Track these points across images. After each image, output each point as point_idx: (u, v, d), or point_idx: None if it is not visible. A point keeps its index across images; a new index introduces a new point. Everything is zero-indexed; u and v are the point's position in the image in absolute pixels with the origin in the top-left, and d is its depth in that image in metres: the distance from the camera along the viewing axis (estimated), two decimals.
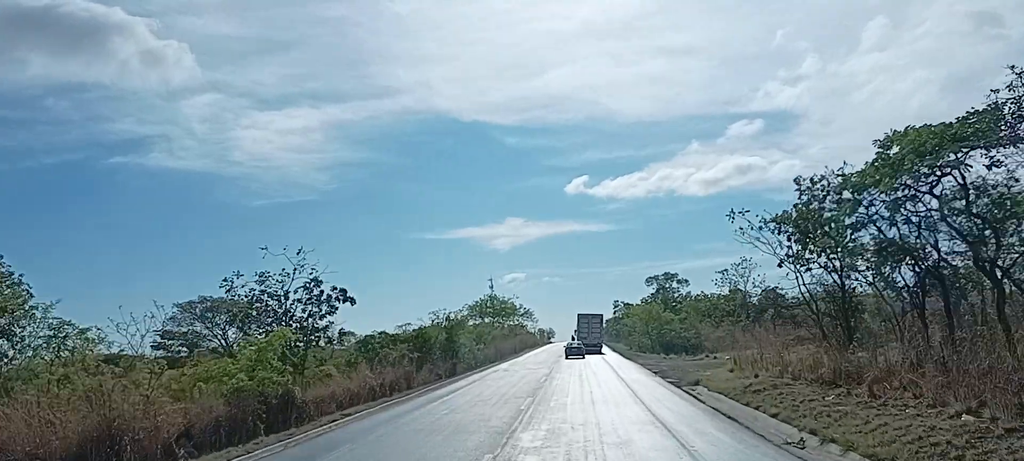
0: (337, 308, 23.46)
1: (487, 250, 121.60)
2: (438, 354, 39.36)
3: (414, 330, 38.92)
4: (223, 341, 26.55)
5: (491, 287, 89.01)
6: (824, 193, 20.16)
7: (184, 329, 28.09)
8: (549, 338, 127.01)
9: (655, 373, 33.15)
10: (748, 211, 22.48)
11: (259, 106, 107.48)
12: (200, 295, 27.48)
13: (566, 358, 53.06)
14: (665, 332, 58.16)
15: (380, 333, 44.17)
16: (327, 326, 23.64)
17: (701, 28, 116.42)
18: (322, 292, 23.19)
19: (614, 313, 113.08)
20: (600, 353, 60.76)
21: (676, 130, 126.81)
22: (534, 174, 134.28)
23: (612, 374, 35.10)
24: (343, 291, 23.39)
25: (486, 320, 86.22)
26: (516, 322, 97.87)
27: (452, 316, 43.94)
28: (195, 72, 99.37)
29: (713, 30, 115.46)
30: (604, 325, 76.92)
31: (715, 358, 41.51)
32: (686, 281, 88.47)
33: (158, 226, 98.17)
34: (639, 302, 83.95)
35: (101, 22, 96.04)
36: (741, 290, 58.63)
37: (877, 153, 17.55)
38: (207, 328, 27.95)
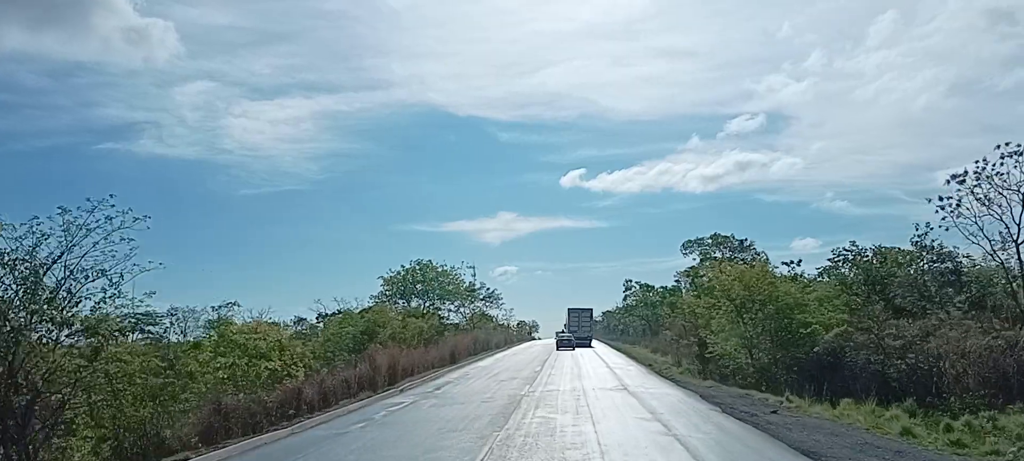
0: None
1: (477, 243, 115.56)
2: None
3: None
4: None
5: (474, 275, 63.42)
6: None
7: None
8: (531, 333, 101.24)
9: None
10: None
11: (251, 95, 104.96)
12: None
13: (557, 349, 52.20)
14: (795, 331, 22.76)
15: None
16: None
17: (702, 30, 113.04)
18: None
19: (625, 299, 78.29)
20: (589, 346, 59.26)
21: (672, 129, 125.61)
22: (528, 170, 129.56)
23: None
24: None
25: (411, 304, 50.77)
26: (475, 310, 62.49)
27: None
28: (181, 54, 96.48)
29: (714, 32, 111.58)
30: (594, 319, 76.69)
31: None
32: (752, 245, 52.23)
33: (149, 213, 73.32)
34: (683, 281, 48.06)
35: None
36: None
37: None
38: None
